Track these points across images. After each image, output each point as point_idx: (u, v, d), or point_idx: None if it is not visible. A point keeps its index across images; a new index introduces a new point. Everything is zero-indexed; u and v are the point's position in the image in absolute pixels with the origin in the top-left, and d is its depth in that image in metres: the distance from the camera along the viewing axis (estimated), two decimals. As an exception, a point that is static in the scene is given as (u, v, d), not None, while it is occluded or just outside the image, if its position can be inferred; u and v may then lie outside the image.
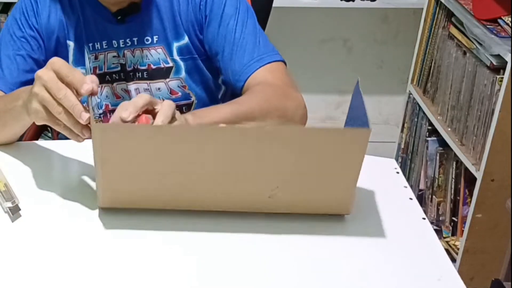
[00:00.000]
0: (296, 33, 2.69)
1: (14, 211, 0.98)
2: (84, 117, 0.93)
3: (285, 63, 1.30)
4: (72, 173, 1.11)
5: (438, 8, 2.16)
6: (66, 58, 1.30)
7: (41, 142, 1.19)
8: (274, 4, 1.67)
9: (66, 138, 1.35)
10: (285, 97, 1.21)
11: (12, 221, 0.98)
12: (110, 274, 0.90)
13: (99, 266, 0.91)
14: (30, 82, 1.21)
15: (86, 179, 1.07)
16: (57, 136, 1.48)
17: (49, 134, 1.67)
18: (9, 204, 0.99)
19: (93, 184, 1.06)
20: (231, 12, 1.28)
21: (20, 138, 1.30)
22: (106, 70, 1.32)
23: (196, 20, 1.30)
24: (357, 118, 0.98)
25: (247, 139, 0.90)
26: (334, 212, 1.00)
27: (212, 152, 0.91)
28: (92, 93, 0.95)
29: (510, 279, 1.87)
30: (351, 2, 2.43)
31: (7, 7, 2.32)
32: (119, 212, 1.00)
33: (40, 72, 0.97)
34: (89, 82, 0.95)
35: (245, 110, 1.16)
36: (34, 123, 1.40)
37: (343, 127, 0.98)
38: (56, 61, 0.97)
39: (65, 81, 0.95)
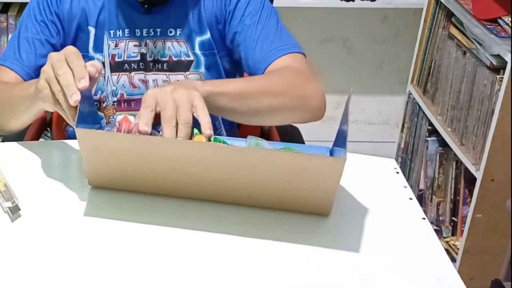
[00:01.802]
0: (296, 33, 2.67)
1: (14, 211, 0.98)
2: (73, 98, 0.95)
3: (305, 56, 1.31)
4: (72, 173, 1.11)
5: (438, 8, 2.16)
6: (86, 43, 1.31)
7: (41, 142, 1.19)
8: (274, 4, 1.66)
9: (68, 138, 1.35)
10: (305, 81, 1.22)
11: (12, 221, 0.98)
12: (111, 275, 0.90)
13: (100, 266, 0.91)
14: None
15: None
16: (61, 136, 1.48)
17: (49, 134, 1.67)
18: (9, 204, 0.99)
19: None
20: (256, 7, 1.31)
21: (21, 138, 1.30)
22: (125, 59, 1.32)
23: (220, 15, 1.31)
24: (339, 138, 1.03)
25: (221, 156, 0.94)
26: (314, 212, 1.03)
27: (187, 164, 0.96)
28: (91, 84, 0.99)
29: (510, 279, 1.87)
30: (351, 2, 2.43)
31: (7, 7, 2.33)
32: (120, 212, 1.00)
33: (52, 53, 1.01)
34: (87, 80, 0.97)
35: (261, 84, 1.17)
36: (35, 123, 1.41)
37: (320, 155, 1.03)
38: (69, 48, 1.01)
39: (70, 66, 0.98)
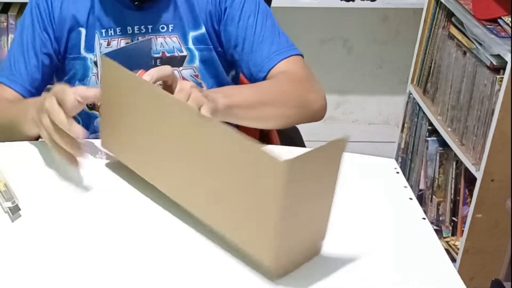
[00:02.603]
0: (296, 33, 2.67)
1: (14, 211, 0.98)
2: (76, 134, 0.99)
3: (302, 57, 1.33)
4: (72, 173, 1.11)
5: (438, 8, 2.16)
6: (78, 44, 1.32)
7: (41, 142, 1.19)
8: (274, 4, 1.66)
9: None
10: (306, 87, 1.25)
11: (12, 221, 0.98)
12: (111, 275, 0.90)
13: (100, 266, 0.91)
14: (42, 77, 1.32)
15: (86, 179, 1.07)
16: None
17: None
18: (9, 204, 0.99)
19: (93, 185, 1.06)
20: (252, 8, 1.31)
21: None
22: None
23: (215, 11, 1.32)
24: None
25: (203, 127, 0.86)
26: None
27: (172, 126, 0.92)
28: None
29: (510, 279, 1.87)
30: (351, 2, 2.43)
31: (7, 7, 2.33)
32: (121, 212, 1.00)
33: (45, 102, 1.02)
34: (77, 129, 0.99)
35: (265, 95, 1.21)
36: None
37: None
38: (56, 89, 1.02)
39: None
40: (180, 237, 0.96)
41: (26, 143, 1.19)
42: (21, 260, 0.91)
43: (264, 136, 1.57)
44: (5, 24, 2.30)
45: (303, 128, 1.59)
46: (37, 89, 1.33)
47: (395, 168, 1.16)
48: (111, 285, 0.89)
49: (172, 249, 0.95)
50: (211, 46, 1.34)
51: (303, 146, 1.46)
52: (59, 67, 1.35)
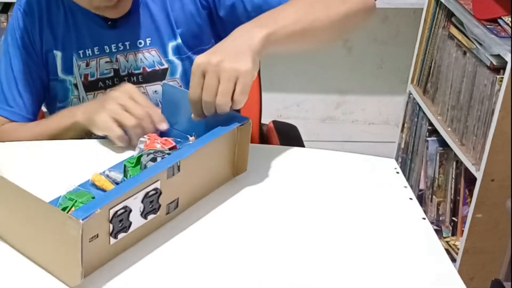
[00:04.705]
0: (296, 33, 2.68)
1: (14, 211, 0.98)
2: (163, 126, 1.11)
3: None
4: (72, 173, 1.11)
5: (438, 8, 2.16)
6: (54, 67, 1.30)
7: (41, 142, 1.19)
8: (274, 4, 1.66)
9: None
10: None
11: (12, 221, 0.98)
12: (109, 274, 0.90)
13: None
14: (37, 101, 1.34)
15: (86, 179, 1.07)
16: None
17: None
18: (9, 204, 0.99)
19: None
20: None
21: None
22: (98, 77, 1.29)
23: (198, 6, 1.26)
24: None
25: None
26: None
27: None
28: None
29: (510, 279, 1.87)
30: (351, 2, 2.43)
31: (7, 7, 2.33)
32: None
33: (115, 93, 1.13)
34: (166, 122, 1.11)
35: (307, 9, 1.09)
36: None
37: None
38: (130, 88, 1.14)
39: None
40: (178, 238, 0.97)
41: (26, 143, 1.19)
42: (21, 260, 0.91)
43: (263, 137, 1.57)
44: (5, 24, 2.30)
45: (303, 129, 1.59)
46: (33, 115, 1.33)
47: (395, 168, 1.16)
48: (110, 284, 0.89)
49: (170, 250, 0.95)
50: (190, 54, 1.29)
51: (303, 146, 1.46)
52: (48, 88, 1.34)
